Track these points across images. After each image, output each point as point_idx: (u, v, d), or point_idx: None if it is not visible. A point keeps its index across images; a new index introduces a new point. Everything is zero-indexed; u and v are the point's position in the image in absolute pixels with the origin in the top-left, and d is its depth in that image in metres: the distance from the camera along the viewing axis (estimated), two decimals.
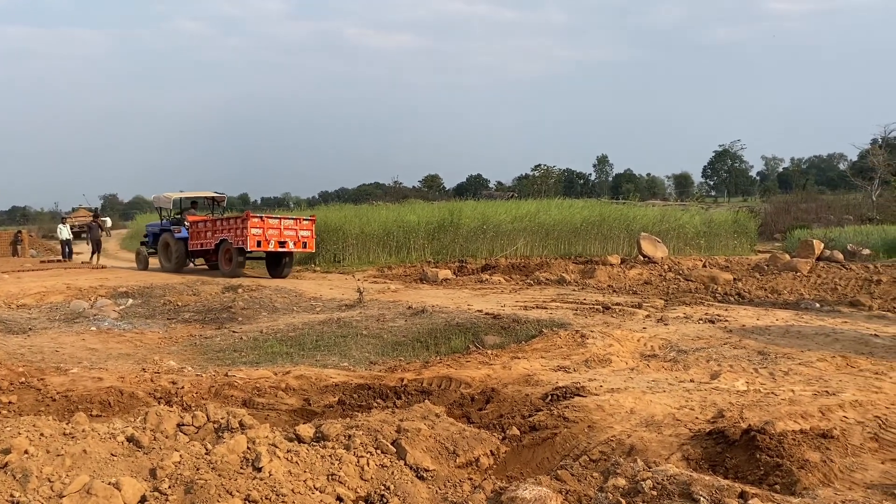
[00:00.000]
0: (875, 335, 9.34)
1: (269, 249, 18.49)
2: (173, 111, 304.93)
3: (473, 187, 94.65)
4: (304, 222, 19.42)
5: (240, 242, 18.23)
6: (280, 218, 19.15)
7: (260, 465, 4.05)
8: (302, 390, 7.16)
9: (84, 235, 47.09)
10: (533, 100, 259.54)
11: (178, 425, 4.85)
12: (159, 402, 6.46)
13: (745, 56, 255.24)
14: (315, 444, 4.67)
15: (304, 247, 19.46)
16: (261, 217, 18.49)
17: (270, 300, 14.28)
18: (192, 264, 22.15)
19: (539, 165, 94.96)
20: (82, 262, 25.76)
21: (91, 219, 28.58)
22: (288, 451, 4.36)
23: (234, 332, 11.05)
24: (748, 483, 4.43)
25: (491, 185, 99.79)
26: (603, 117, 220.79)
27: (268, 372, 7.83)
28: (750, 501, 3.84)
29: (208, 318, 12.57)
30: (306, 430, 4.86)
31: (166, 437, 4.52)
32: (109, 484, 3.59)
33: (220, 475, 3.88)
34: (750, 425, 5.15)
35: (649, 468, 4.40)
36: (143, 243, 23.91)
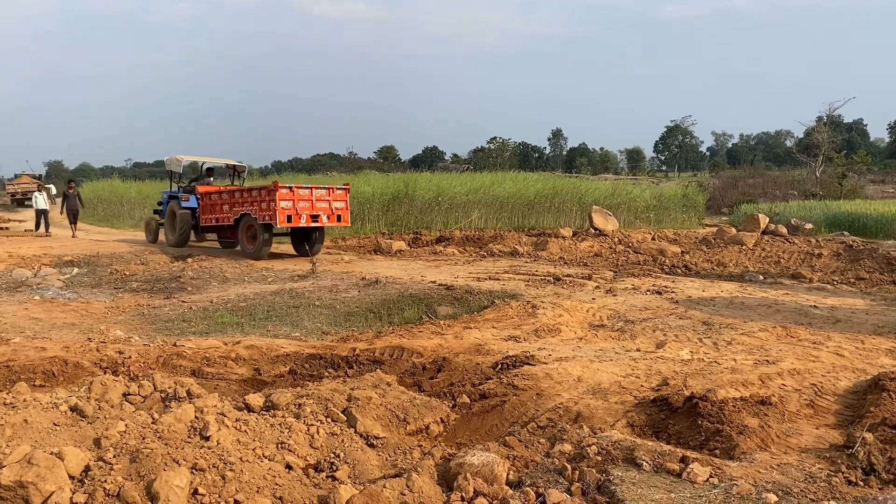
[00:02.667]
0: (814, 306, 9.66)
1: (300, 225, 16.15)
2: (118, 76, 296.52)
3: (429, 159, 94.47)
4: (338, 192, 16.83)
5: (266, 218, 15.75)
6: (311, 188, 16.53)
7: (208, 434, 4.02)
8: (252, 360, 7.11)
9: (27, 203, 45.76)
10: (489, 73, 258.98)
11: (124, 395, 4.78)
12: (105, 372, 6.35)
13: (695, 33, 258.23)
14: (265, 413, 4.66)
15: (339, 220, 16.81)
16: (290, 187, 15.92)
17: (221, 270, 14.08)
18: (203, 239, 19.65)
19: (495, 138, 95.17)
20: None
21: (68, 187, 24.70)
22: (237, 421, 4.34)
23: (183, 301, 10.88)
24: (690, 448, 4.57)
25: (447, 158, 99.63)
26: (558, 91, 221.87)
27: (218, 342, 7.75)
28: (691, 465, 3.96)
29: (157, 288, 12.34)
30: (256, 399, 4.85)
31: (111, 407, 4.46)
32: (52, 454, 3.52)
33: (166, 444, 3.85)
34: (693, 393, 5.29)
35: (595, 434, 4.51)
36: (156, 212, 21.16)
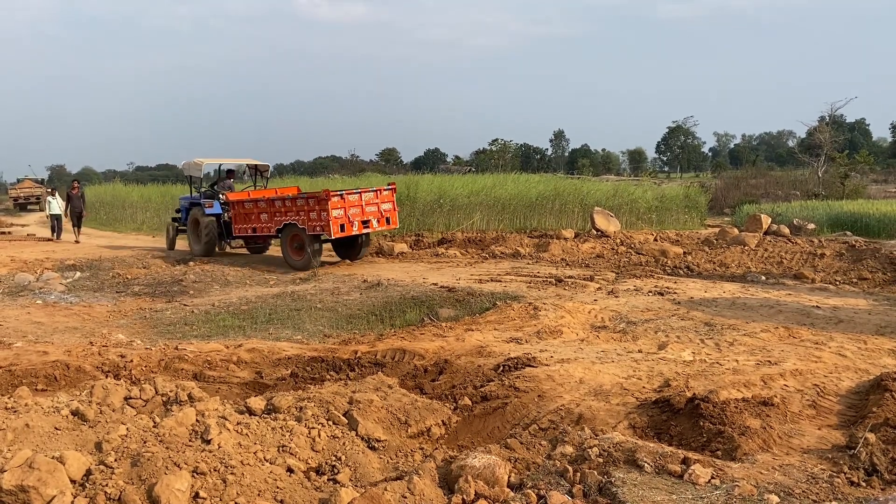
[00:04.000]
0: (817, 307, 9.63)
1: (353, 233, 14.98)
2: (120, 80, 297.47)
3: (431, 161, 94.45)
4: (384, 193, 15.64)
5: (317, 228, 14.59)
6: (360, 192, 15.28)
7: (209, 438, 4.03)
8: (254, 363, 7.12)
9: (30, 208, 45.81)
10: (490, 74, 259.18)
11: (126, 399, 4.79)
12: (107, 376, 6.36)
13: (696, 33, 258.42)
14: (266, 416, 4.66)
15: (388, 223, 15.70)
16: (341, 195, 14.72)
17: (223, 273, 14.10)
18: (227, 247, 18.26)
19: (496, 140, 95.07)
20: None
21: (71, 188, 23.20)
22: (238, 424, 4.34)
23: (185, 305, 10.89)
24: (691, 449, 4.56)
25: (448, 160, 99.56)
26: (560, 92, 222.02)
27: (219, 345, 7.76)
28: (692, 467, 3.96)
29: (158, 292, 12.36)
30: (257, 402, 4.85)
31: (113, 411, 4.46)
32: (53, 458, 3.53)
33: (167, 448, 3.85)
34: (694, 394, 5.29)
35: (596, 436, 4.50)
36: (174, 219, 19.71)
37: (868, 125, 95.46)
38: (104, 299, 11.74)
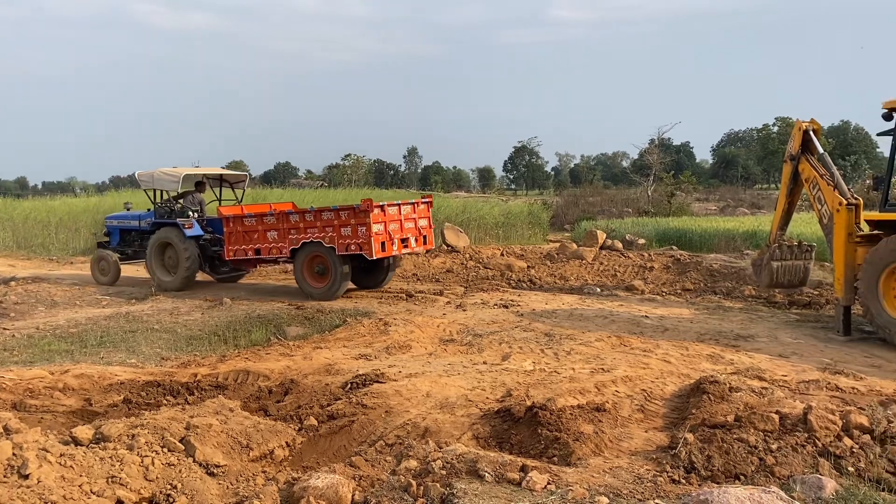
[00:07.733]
0: (646, 316, 10.34)
1: (392, 253, 12.74)
2: None
3: (282, 175, 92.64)
4: (421, 207, 13.51)
5: (351, 247, 12.18)
6: (399, 205, 13.07)
7: (27, 472, 3.73)
8: (83, 390, 6.65)
9: None
10: (341, 89, 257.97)
11: None
12: None
13: (534, 58, 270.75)
14: (94, 446, 4.37)
15: (425, 242, 13.51)
16: (382, 207, 12.46)
17: (49, 293, 13.06)
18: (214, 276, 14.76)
19: (349, 155, 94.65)
20: None
21: None
22: (62, 456, 4.04)
23: (4, 329, 9.99)
24: (530, 457, 4.76)
25: (300, 174, 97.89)
26: (413, 110, 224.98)
27: (43, 371, 7.19)
28: (530, 474, 4.12)
29: None
30: (84, 431, 4.53)
31: None
32: None
33: None
34: (534, 403, 5.51)
35: (440, 449, 4.59)
36: (102, 244, 15.79)
37: (692, 148, 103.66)
38: None
